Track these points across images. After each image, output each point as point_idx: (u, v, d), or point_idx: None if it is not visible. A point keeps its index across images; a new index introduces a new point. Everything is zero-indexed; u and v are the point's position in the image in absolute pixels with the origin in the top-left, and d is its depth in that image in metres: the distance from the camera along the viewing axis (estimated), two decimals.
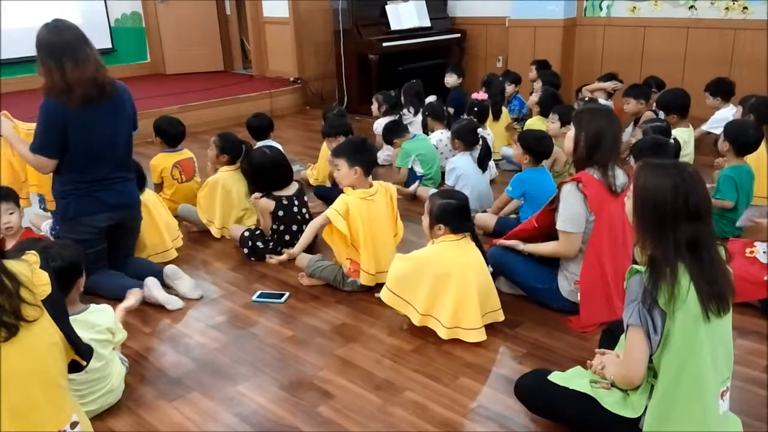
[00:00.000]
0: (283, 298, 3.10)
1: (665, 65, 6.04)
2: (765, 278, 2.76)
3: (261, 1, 7.86)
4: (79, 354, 1.80)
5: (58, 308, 1.72)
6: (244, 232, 3.61)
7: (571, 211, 2.68)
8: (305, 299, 3.11)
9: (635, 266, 1.86)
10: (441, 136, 4.74)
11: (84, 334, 1.95)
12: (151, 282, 3.06)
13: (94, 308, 2.29)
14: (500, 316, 2.75)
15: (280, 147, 4.41)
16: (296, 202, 3.52)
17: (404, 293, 2.69)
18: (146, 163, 4.04)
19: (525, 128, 4.94)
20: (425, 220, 2.76)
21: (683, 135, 4.22)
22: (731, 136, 3.60)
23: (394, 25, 7.00)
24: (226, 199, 3.80)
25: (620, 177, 2.68)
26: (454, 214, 2.70)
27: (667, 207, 1.80)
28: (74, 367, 1.81)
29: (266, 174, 3.54)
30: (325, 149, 4.50)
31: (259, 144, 4.58)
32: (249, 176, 3.86)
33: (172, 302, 3.04)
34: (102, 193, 3.00)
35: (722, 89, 4.93)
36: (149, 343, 2.76)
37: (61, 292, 1.95)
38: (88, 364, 1.86)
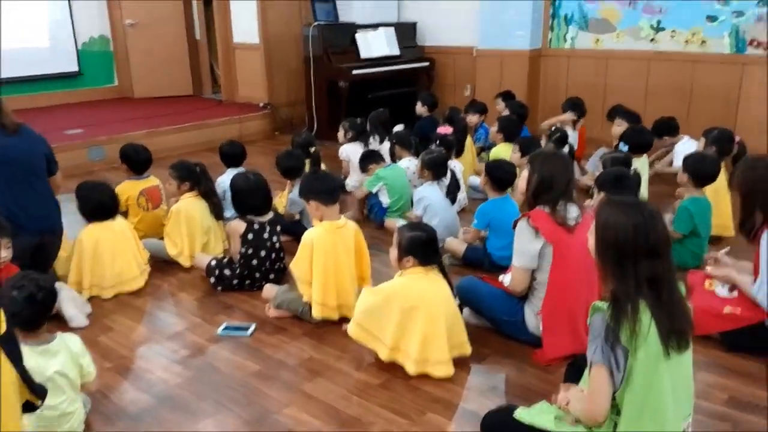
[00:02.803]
0: (249, 331, 3.06)
1: (628, 96, 6.19)
2: (725, 311, 2.81)
3: (231, 26, 7.88)
4: (34, 393, 1.75)
5: (12, 347, 1.68)
6: (210, 261, 3.57)
7: (523, 246, 2.75)
8: (272, 332, 3.08)
9: (597, 303, 1.89)
10: (408, 163, 4.77)
11: (52, 364, 2.10)
12: (65, 295, 3.12)
13: (61, 335, 2.29)
14: (467, 350, 2.75)
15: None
16: (268, 229, 3.50)
17: (372, 327, 2.68)
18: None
19: (491, 156, 5.03)
20: (393, 252, 2.76)
21: (637, 164, 4.30)
22: (689, 168, 3.70)
23: (364, 53, 7.07)
24: (191, 226, 3.77)
25: (572, 211, 2.75)
26: (422, 246, 2.71)
27: (628, 245, 1.84)
28: (28, 407, 1.76)
29: (246, 198, 3.53)
30: None
31: (229, 172, 4.56)
32: (209, 198, 3.86)
33: (76, 320, 3.10)
34: (23, 217, 3.10)
35: (665, 129, 5.16)
36: (109, 379, 2.69)
37: (41, 322, 2.17)
38: (42, 403, 1.82)
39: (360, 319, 2.71)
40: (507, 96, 6.19)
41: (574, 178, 2.87)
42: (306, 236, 3.04)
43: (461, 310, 2.88)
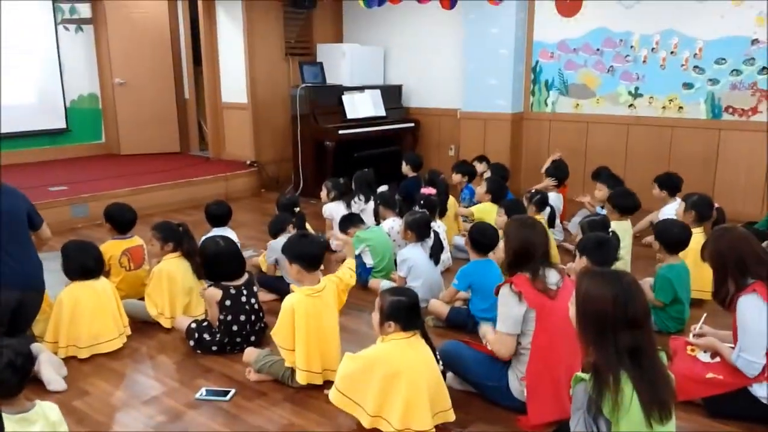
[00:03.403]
0: (228, 396, 3.00)
1: (608, 159, 6.33)
2: (707, 376, 2.81)
3: (220, 86, 8.02)
4: None
5: None
6: (190, 324, 3.51)
7: (507, 312, 2.76)
8: (251, 396, 3.02)
9: (579, 374, 1.89)
10: (393, 224, 4.81)
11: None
12: (44, 357, 3.07)
13: (41, 404, 2.24)
14: (450, 416, 2.71)
15: (234, 235, 4.41)
16: (245, 292, 3.47)
17: (353, 394, 2.64)
18: None
19: (476, 212, 5.11)
20: (375, 316, 2.74)
21: (621, 227, 4.35)
22: (658, 236, 3.76)
23: (350, 114, 7.20)
24: (172, 288, 3.73)
25: (552, 276, 2.77)
26: (404, 311, 2.68)
27: (608, 316, 1.86)
28: None
29: (217, 265, 3.51)
30: None
31: (214, 231, 4.55)
32: (191, 258, 3.82)
33: (54, 383, 3.03)
34: (5, 275, 3.10)
35: (670, 184, 5.08)
36: None
37: (21, 388, 2.14)
38: None
39: (341, 385, 2.67)
40: (482, 159, 6.30)
41: (549, 242, 2.90)
42: (286, 302, 3.01)
43: (444, 375, 2.85)
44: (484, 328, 3.51)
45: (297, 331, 2.95)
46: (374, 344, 2.75)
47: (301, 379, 2.98)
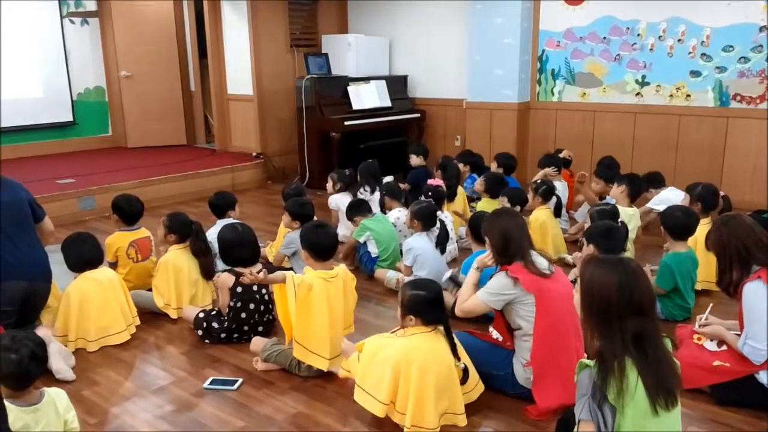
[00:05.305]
0: (236, 385, 3.02)
1: (615, 148, 6.31)
2: (714, 364, 2.81)
3: (226, 78, 8.03)
4: None
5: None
6: (198, 314, 3.54)
7: (497, 290, 2.78)
8: (259, 386, 3.04)
9: (584, 360, 1.89)
10: (399, 214, 4.82)
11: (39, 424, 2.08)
12: (53, 348, 3.08)
13: (48, 392, 2.26)
14: (461, 421, 2.62)
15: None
16: None
17: (367, 385, 2.63)
18: (102, 239, 3.95)
19: (477, 209, 5.08)
20: (399, 310, 2.72)
21: (626, 214, 4.34)
22: (664, 222, 3.75)
23: (356, 105, 7.20)
24: (178, 278, 3.76)
25: (542, 263, 2.81)
26: (424, 306, 2.64)
27: (612, 302, 1.85)
28: None
29: (233, 250, 3.53)
30: (283, 228, 4.52)
31: (219, 222, 4.55)
32: (200, 256, 3.84)
33: (63, 372, 3.06)
34: (15, 265, 3.15)
35: (653, 181, 5.19)
36: None
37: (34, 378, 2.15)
38: None
39: (349, 367, 2.69)
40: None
41: (525, 225, 2.93)
42: (305, 273, 3.00)
43: (467, 374, 2.70)
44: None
45: (300, 306, 2.90)
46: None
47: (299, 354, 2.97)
